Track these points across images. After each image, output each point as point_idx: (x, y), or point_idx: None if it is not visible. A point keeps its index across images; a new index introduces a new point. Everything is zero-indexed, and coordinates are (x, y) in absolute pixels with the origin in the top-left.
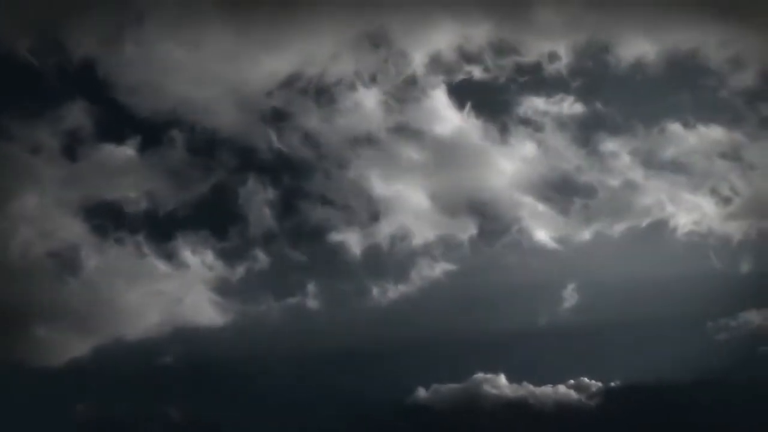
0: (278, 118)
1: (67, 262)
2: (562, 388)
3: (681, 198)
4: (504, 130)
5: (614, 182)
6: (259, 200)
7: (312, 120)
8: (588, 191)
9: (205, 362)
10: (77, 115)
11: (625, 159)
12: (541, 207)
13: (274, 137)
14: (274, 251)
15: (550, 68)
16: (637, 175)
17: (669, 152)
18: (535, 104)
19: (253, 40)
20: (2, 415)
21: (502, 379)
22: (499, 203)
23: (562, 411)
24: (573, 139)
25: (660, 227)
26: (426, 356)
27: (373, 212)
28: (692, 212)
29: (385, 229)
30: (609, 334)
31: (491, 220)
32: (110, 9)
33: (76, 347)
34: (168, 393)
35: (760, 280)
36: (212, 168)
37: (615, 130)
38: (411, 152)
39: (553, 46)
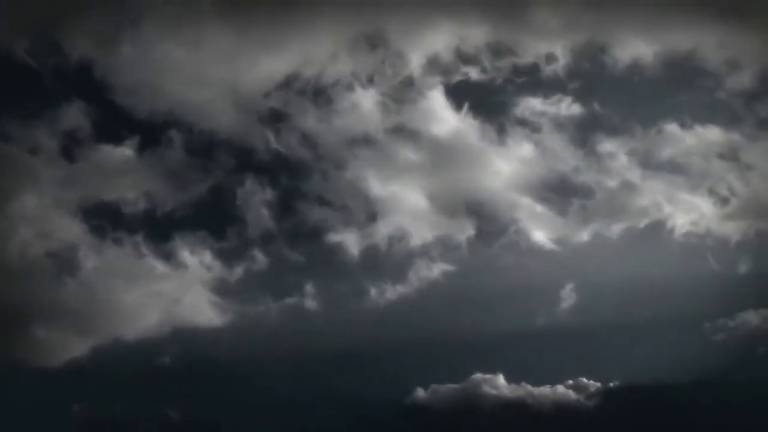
0: (276, 118)
1: (65, 262)
2: (560, 389)
3: (679, 199)
4: (501, 131)
5: (612, 183)
6: (257, 201)
7: (310, 121)
8: (585, 192)
9: (203, 362)
10: (75, 115)
11: (623, 160)
12: (538, 208)
13: (271, 138)
14: (272, 252)
15: (548, 69)
16: (635, 175)
17: (666, 153)
18: (532, 105)
19: (250, 41)
20: (1, 415)
21: (501, 379)
22: (497, 204)
23: (561, 411)
24: (570, 140)
25: (658, 228)
26: (424, 356)
27: (370, 213)
28: (690, 213)
29: (382, 230)
30: (607, 335)
31: (489, 221)
32: (108, 10)
33: (74, 347)
34: (166, 393)
35: (758, 281)
36: (210, 169)
37: (612, 131)
38: (408, 153)
39: (551, 47)
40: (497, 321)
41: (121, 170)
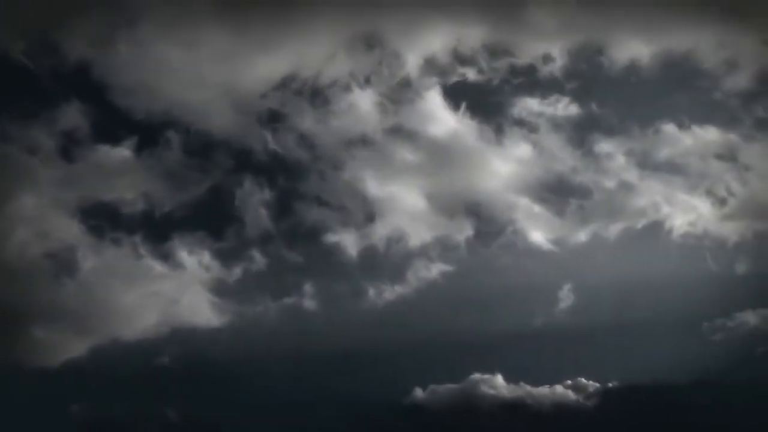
0: (273, 119)
1: (64, 262)
2: (559, 389)
3: (676, 199)
4: (499, 132)
5: (609, 183)
6: (255, 201)
7: (307, 121)
8: (583, 192)
9: (202, 363)
10: (73, 116)
11: (621, 160)
12: (536, 208)
13: (269, 138)
14: (271, 252)
15: (545, 70)
16: (633, 176)
17: (664, 153)
18: (529, 106)
19: (247, 42)
20: (1, 415)
21: (499, 379)
22: (495, 204)
23: (560, 411)
24: (568, 141)
25: (655, 228)
26: (423, 357)
27: (368, 213)
28: (688, 213)
29: (380, 230)
30: (605, 335)
31: (487, 222)
32: (105, 11)
33: (73, 348)
34: (166, 393)
35: (756, 281)
36: (208, 169)
37: (610, 132)
38: (406, 153)
39: (548, 48)
40: (496, 321)
41: (120, 171)
